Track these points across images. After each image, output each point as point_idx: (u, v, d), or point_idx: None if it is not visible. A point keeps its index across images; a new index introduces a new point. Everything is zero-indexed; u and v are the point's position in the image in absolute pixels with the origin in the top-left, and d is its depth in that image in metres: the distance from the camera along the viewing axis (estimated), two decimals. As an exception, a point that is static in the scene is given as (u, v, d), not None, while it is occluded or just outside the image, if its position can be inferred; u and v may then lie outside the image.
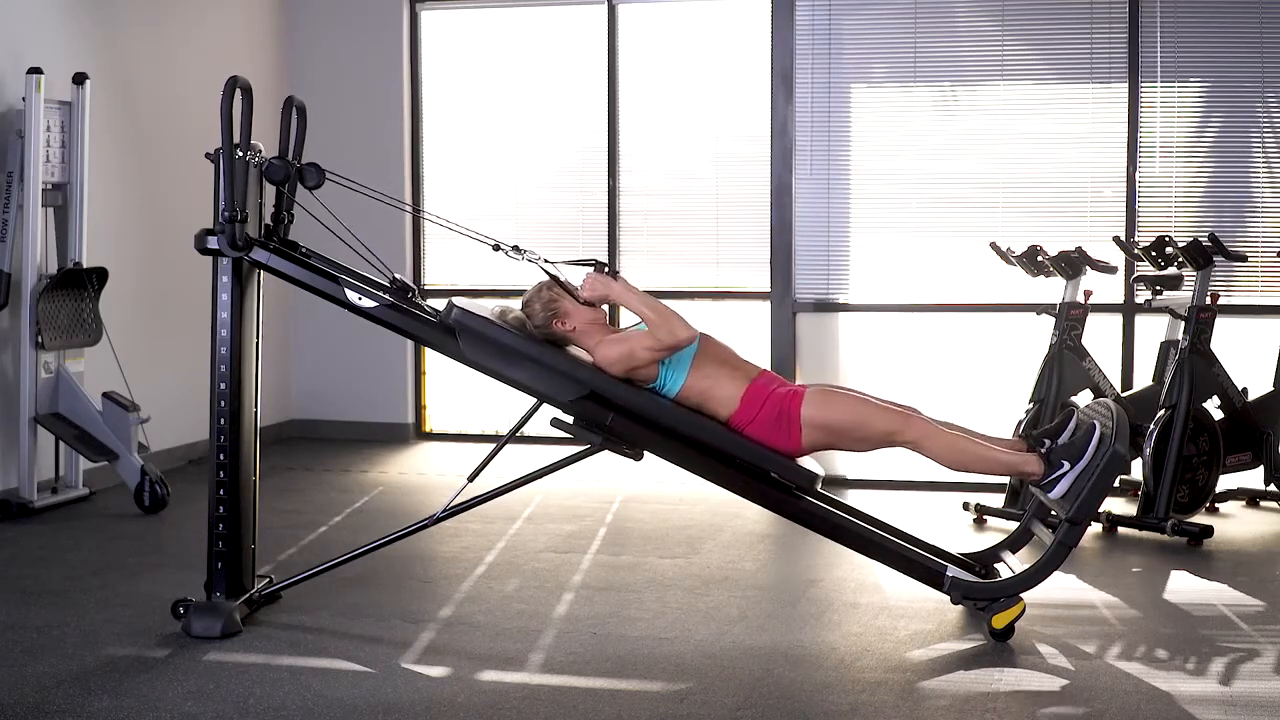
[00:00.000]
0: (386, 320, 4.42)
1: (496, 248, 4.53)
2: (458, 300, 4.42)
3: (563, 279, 4.51)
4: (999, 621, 4.31)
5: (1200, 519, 5.84)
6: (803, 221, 7.35)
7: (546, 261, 4.53)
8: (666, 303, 4.45)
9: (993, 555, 4.77)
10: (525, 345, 4.38)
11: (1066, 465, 4.36)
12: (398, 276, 4.48)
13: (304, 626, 4.44)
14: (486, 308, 4.50)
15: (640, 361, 4.36)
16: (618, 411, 4.37)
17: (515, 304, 4.55)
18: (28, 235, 5.99)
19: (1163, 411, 5.74)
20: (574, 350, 4.50)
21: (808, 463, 4.49)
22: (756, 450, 4.39)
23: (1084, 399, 5.96)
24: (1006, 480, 6.09)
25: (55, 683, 3.88)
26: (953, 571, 4.43)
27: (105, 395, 6.18)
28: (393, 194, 7.43)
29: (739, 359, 4.55)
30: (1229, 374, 5.97)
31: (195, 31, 7.39)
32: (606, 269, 4.49)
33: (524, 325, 4.46)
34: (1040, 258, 6.15)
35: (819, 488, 4.49)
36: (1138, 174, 6.97)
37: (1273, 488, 6.20)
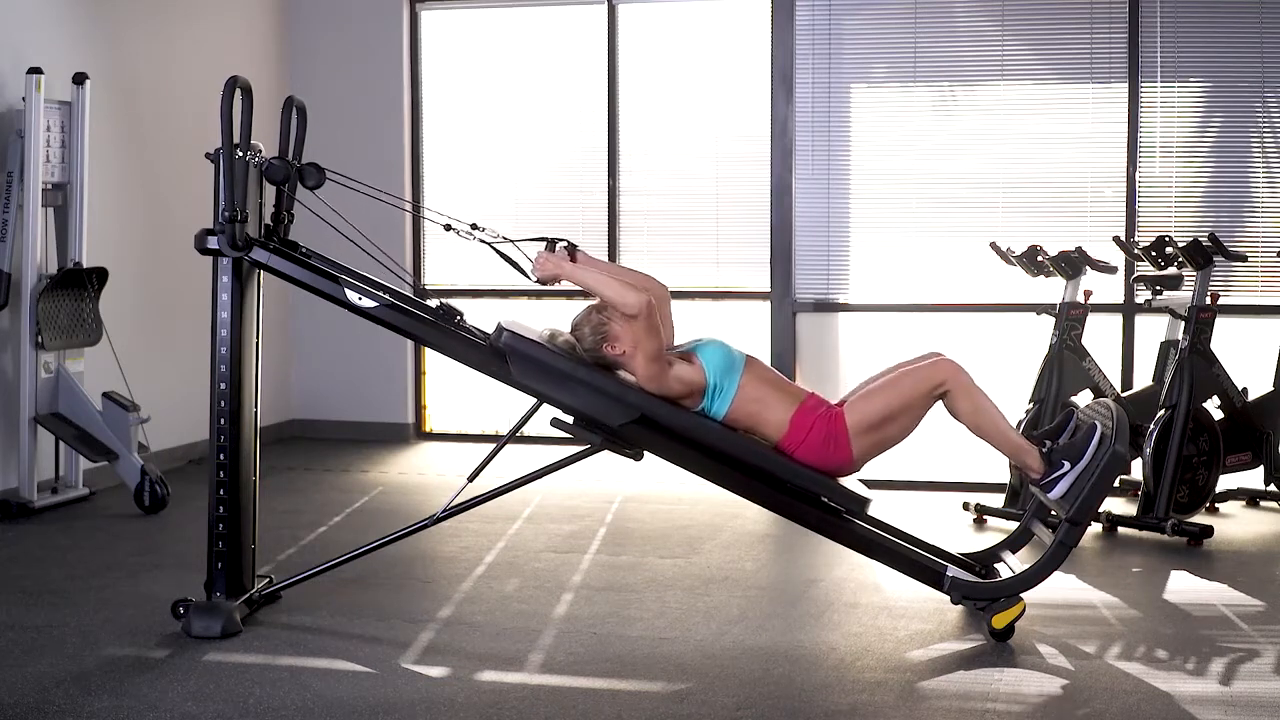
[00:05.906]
0: (387, 320, 4.41)
1: (448, 228, 4.52)
2: (505, 321, 4.40)
3: (516, 260, 4.48)
4: (999, 621, 4.31)
5: (1200, 519, 5.83)
6: (802, 221, 7.36)
7: (503, 239, 4.51)
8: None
9: (993, 555, 4.76)
10: (575, 369, 4.34)
11: (1066, 465, 4.36)
12: (444, 301, 4.47)
13: (304, 626, 4.44)
14: (534, 330, 4.48)
15: (650, 351, 4.30)
16: (668, 435, 4.37)
17: (564, 326, 4.50)
18: (28, 235, 5.99)
19: (1163, 411, 5.73)
20: (624, 374, 4.46)
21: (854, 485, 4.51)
22: (808, 474, 4.39)
23: (1084, 399, 5.95)
24: (1006, 480, 6.09)
25: (55, 683, 3.88)
26: (953, 571, 4.43)
27: (105, 395, 6.18)
28: (393, 194, 7.42)
29: (786, 381, 4.53)
30: (1229, 374, 5.97)
31: (195, 31, 7.38)
32: (565, 245, 4.45)
33: (574, 349, 4.41)
34: (1040, 258, 6.15)
35: (869, 511, 4.47)
36: (1138, 174, 6.97)
37: (1273, 488, 6.20)
